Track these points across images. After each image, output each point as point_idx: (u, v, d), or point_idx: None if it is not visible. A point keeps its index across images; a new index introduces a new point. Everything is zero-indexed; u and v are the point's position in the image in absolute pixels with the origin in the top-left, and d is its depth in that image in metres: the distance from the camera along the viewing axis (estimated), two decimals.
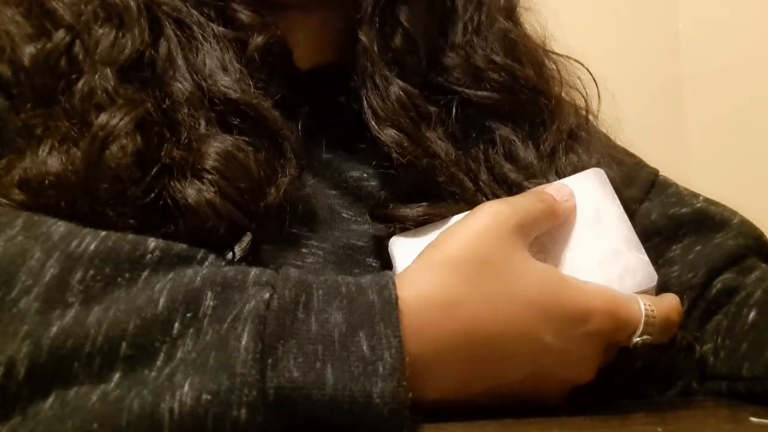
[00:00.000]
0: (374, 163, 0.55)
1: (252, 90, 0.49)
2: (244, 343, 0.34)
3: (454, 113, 0.54)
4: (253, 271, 0.38)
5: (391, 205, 0.52)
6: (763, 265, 0.59)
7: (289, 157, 0.49)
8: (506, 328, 0.40)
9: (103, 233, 0.39)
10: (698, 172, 1.18)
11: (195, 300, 0.36)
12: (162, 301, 0.36)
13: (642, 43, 1.24)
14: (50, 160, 0.44)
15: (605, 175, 0.49)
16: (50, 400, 0.33)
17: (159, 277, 0.37)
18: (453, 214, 0.49)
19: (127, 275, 0.37)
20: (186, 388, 0.33)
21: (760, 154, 1.17)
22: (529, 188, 0.51)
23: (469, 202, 0.51)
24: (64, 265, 0.36)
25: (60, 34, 0.48)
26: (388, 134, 0.52)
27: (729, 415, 0.47)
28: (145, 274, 0.37)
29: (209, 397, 0.33)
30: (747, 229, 0.62)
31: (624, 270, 0.45)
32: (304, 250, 0.51)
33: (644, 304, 0.43)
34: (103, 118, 0.45)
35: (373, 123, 0.52)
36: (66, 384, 0.33)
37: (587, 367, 0.43)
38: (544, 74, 0.59)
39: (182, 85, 0.48)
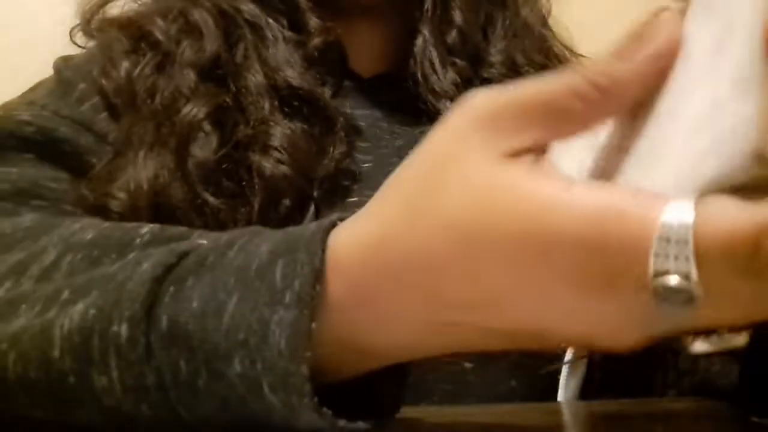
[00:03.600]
0: (428, 129, 0.59)
1: (311, 80, 0.58)
2: (144, 266, 0.33)
3: None
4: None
5: None
6: None
7: (340, 135, 0.57)
8: (433, 264, 0.29)
9: (108, 225, 0.40)
10: None
11: (136, 264, 0.35)
12: (114, 268, 0.35)
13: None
14: (147, 164, 0.53)
15: None
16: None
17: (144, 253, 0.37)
18: None
19: (113, 256, 0.37)
20: (80, 305, 0.34)
21: None
22: None
23: None
24: (60, 252, 0.38)
25: (152, 51, 0.58)
26: (445, 105, 0.60)
27: (729, 415, 0.47)
28: (133, 254, 0.36)
29: (94, 311, 0.33)
30: None
31: (720, 134, 0.26)
32: None
33: (671, 213, 0.25)
34: (186, 109, 0.55)
35: (431, 98, 0.61)
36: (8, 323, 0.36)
37: (590, 317, 0.28)
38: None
39: (254, 77, 0.57)
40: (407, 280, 0.30)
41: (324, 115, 0.58)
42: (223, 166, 0.54)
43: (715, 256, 0.24)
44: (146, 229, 0.38)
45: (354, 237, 0.32)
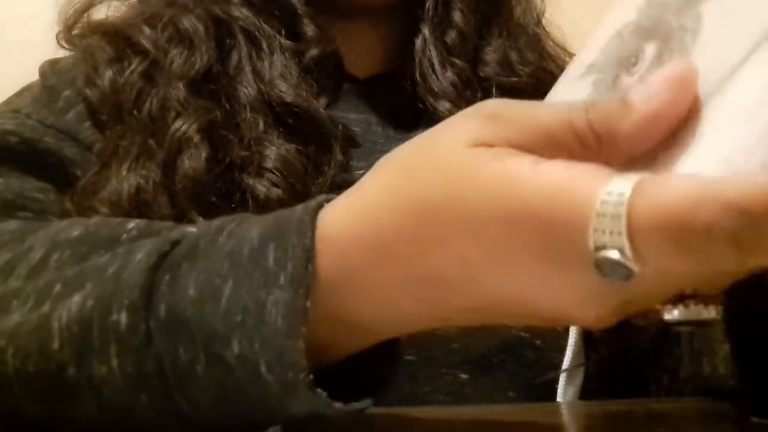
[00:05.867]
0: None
1: (305, 94, 0.56)
2: (138, 256, 0.34)
3: (490, 97, 0.61)
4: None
5: None
6: None
7: (335, 151, 0.56)
8: (407, 236, 0.30)
9: (94, 222, 0.40)
10: None
11: (130, 255, 0.35)
12: (103, 261, 0.35)
13: None
14: (131, 177, 0.51)
15: None
16: None
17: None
18: None
19: (101, 251, 0.36)
20: (76, 297, 0.34)
21: None
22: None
23: None
24: (47, 250, 0.38)
25: (138, 58, 0.56)
26: (443, 106, 0.60)
27: (729, 415, 0.47)
28: (121, 249, 0.36)
29: (92, 302, 0.33)
30: None
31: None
32: None
33: (610, 189, 0.26)
34: (176, 124, 0.53)
35: (430, 98, 0.60)
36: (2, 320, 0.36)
37: (552, 288, 0.29)
38: (564, 68, 0.64)
39: (247, 90, 0.56)
40: (389, 255, 0.31)
41: (320, 132, 0.56)
42: (214, 185, 0.52)
43: (649, 232, 0.25)
44: (133, 224, 0.38)
45: (343, 214, 0.32)
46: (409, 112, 0.61)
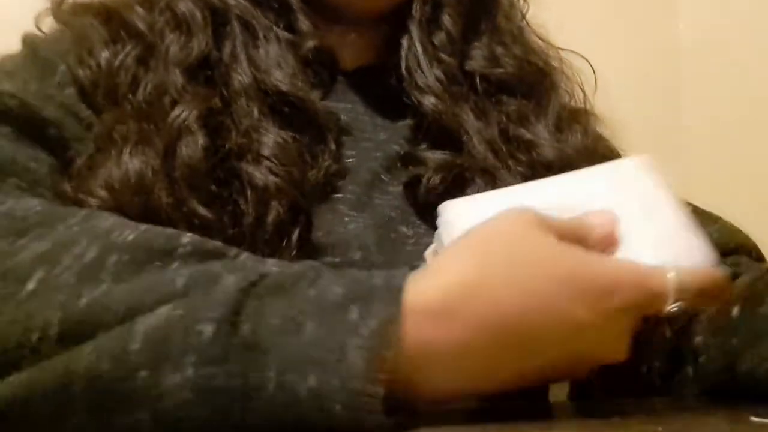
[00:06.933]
0: (410, 123, 0.63)
1: (300, 84, 0.57)
2: (230, 279, 0.37)
3: (476, 91, 0.64)
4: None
5: (421, 146, 0.61)
6: (744, 258, 0.61)
7: (329, 141, 0.57)
8: (533, 306, 0.38)
9: (144, 227, 0.41)
10: (696, 174, 1.18)
11: (213, 279, 0.37)
12: (181, 280, 0.37)
13: (642, 43, 1.24)
14: (131, 162, 0.51)
15: (650, 161, 0.48)
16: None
17: (188, 267, 0.38)
18: (470, 163, 0.58)
19: (157, 263, 0.38)
20: (162, 308, 0.36)
21: (758, 156, 1.17)
22: (542, 145, 0.61)
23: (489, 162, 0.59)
24: (102, 250, 0.39)
25: (133, 41, 0.56)
26: (429, 101, 0.61)
27: (729, 415, 0.47)
28: (175, 264, 0.38)
29: (181, 312, 0.35)
30: (728, 228, 0.65)
31: (679, 252, 0.44)
32: (346, 219, 0.57)
33: (676, 273, 0.41)
34: (176, 111, 0.52)
35: (416, 93, 0.62)
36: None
37: (621, 343, 0.42)
38: (548, 62, 0.69)
39: (242, 78, 0.56)
40: (505, 328, 0.38)
41: (315, 123, 0.57)
42: (213, 173, 0.52)
43: (695, 289, 0.41)
44: (187, 239, 0.40)
45: (427, 291, 0.37)
46: (395, 104, 0.62)
